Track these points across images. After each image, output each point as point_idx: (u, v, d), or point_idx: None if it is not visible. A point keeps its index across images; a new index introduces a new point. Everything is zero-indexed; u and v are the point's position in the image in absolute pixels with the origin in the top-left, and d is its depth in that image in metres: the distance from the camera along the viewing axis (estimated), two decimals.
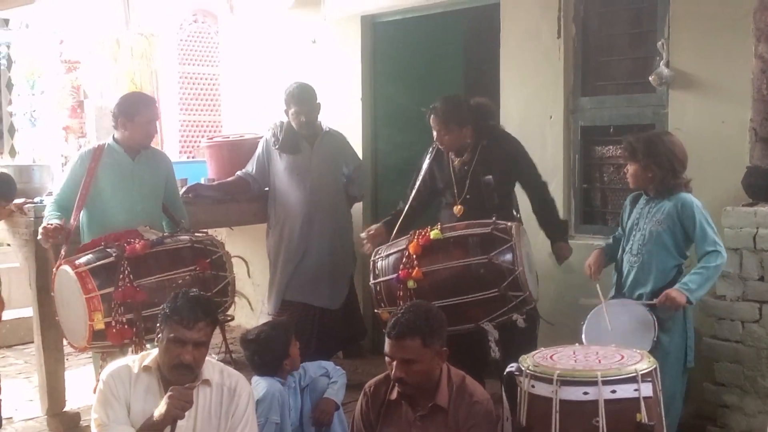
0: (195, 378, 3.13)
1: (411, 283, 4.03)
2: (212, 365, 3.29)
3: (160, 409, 2.98)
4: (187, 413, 3.07)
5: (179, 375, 3.10)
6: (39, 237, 4.29)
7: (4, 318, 4.73)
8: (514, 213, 4.58)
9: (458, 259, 4.05)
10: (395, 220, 4.60)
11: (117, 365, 3.23)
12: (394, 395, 3.27)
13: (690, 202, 3.85)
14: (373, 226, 4.79)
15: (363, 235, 4.70)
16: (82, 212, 4.48)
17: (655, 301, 3.77)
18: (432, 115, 4.49)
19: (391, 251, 4.24)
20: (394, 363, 3.15)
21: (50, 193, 5.16)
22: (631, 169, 3.99)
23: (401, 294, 4.05)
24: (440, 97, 4.58)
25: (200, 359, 3.14)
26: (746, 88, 4.32)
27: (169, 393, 2.98)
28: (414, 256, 4.07)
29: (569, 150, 5.16)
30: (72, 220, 4.37)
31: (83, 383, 5.16)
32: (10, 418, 5.10)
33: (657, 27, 4.72)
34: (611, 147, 5.08)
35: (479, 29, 6.11)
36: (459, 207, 4.51)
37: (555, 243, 4.58)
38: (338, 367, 4.24)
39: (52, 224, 4.24)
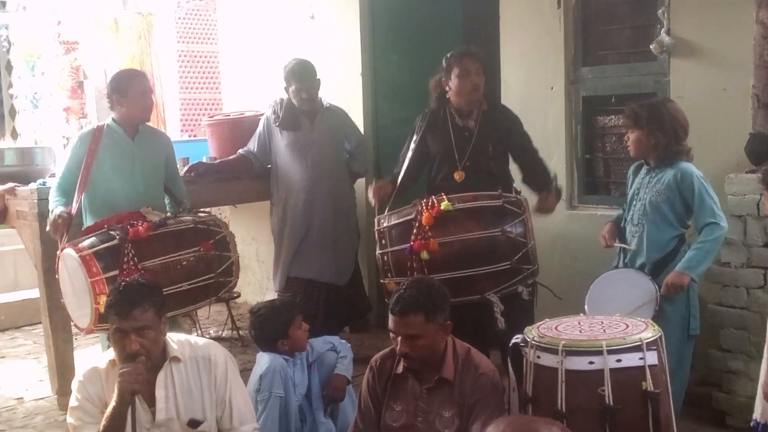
0: (151, 362, 3.05)
1: (424, 254, 3.98)
2: (179, 342, 3.22)
3: (115, 391, 2.94)
4: (166, 392, 3.06)
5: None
6: (48, 229, 4.28)
7: (12, 299, 4.75)
8: (513, 184, 4.54)
9: (471, 231, 4.02)
10: (395, 182, 4.57)
11: (85, 370, 3.21)
12: (400, 369, 3.27)
13: (690, 172, 3.84)
14: (380, 181, 4.71)
15: (371, 188, 4.61)
16: (83, 194, 4.47)
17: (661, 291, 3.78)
18: (467, 58, 4.40)
19: (396, 221, 4.18)
20: (399, 338, 3.15)
21: (53, 175, 5.16)
22: (633, 136, 3.97)
23: (413, 265, 4.00)
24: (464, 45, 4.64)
25: (150, 344, 3.04)
26: (748, 55, 4.29)
27: (119, 373, 2.95)
28: (427, 227, 4.02)
29: (571, 121, 5.14)
30: (75, 203, 4.35)
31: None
32: (21, 398, 5.15)
33: None
34: (613, 117, 5.06)
35: (479, 1, 6.06)
36: (460, 173, 4.43)
37: (541, 192, 4.45)
38: (344, 341, 4.24)
39: (60, 216, 4.23)
